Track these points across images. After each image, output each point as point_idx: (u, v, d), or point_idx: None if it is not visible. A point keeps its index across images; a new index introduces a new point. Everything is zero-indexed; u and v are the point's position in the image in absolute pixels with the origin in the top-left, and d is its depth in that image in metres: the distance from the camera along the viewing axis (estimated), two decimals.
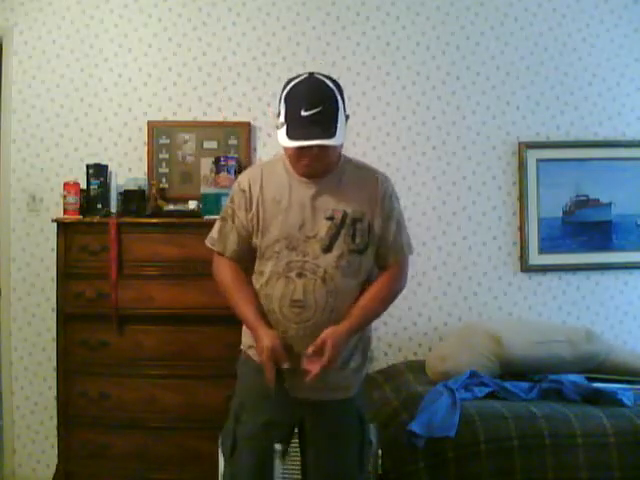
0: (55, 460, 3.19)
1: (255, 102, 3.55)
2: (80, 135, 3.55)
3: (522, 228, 3.62)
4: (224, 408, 2.21)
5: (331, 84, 1.89)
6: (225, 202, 2.13)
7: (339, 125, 1.85)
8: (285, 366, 1.89)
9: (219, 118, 3.54)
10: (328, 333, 1.88)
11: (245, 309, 1.97)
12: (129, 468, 3.07)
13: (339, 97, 1.89)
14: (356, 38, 3.62)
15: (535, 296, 3.65)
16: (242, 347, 2.12)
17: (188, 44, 3.58)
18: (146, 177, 3.45)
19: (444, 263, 3.63)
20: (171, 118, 3.56)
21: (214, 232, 2.08)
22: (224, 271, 2.04)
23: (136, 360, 3.09)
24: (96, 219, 3.14)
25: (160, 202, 3.31)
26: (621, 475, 2.52)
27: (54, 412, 3.24)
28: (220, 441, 2.11)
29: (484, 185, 3.64)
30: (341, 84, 1.96)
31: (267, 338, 1.88)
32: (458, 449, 2.54)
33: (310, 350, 1.86)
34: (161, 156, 3.51)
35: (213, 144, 3.51)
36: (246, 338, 2.08)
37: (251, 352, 2.05)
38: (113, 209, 3.26)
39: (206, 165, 3.42)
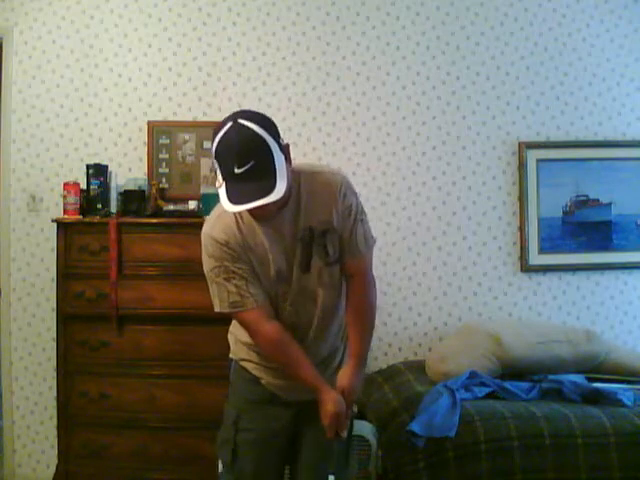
0: (55, 460, 3.19)
1: (255, 102, 3.55)
2: (80, 135, 3.55)
3: (522, 228, 3.62)
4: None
5: (257, 128, 1.70)
6: None
7: (278, 173, 1.69)
8: (344, 435, 1.92)
9: (219, 118, 3.53)
10: (342, 383, 1.93)
11: (304, 370, 1.93)
12: (129, 468, 3.08)
13: (270, 139, 1.71)
14: (356, 38, 3.61)
15: (535, 296, 3.65)
16: (232, 356, 2.12)
17: (188, 44, 3.58)
18: (146, 177, 3.44)
19: (444, 263, 3.63)
20: (171, 118, 3.56)
21: (232, 296, 1.88)
22: (265, 330, 1.91)
23: (136, 360, 3.09)
24: (96, 219, 3.14)
25: (160, 202, 3.31)
26: (621, 475, 2.51)
27: (54, 412, 3.25)
28: (218, 448, 2.11)
29: (484, 185, 3.64)
30: (269, 117, 1.79)
31: (331, 403, 1.89)
32: (458, 449, 2.54)
33: (345, 434, 1.92)
34: (161, 156, 3.51)
35: None
36: (238, 350, 2.09)
37: (244, 364, 2.06)
38: (113, 209, 3.26)
39: (206, 165, 3.43)
